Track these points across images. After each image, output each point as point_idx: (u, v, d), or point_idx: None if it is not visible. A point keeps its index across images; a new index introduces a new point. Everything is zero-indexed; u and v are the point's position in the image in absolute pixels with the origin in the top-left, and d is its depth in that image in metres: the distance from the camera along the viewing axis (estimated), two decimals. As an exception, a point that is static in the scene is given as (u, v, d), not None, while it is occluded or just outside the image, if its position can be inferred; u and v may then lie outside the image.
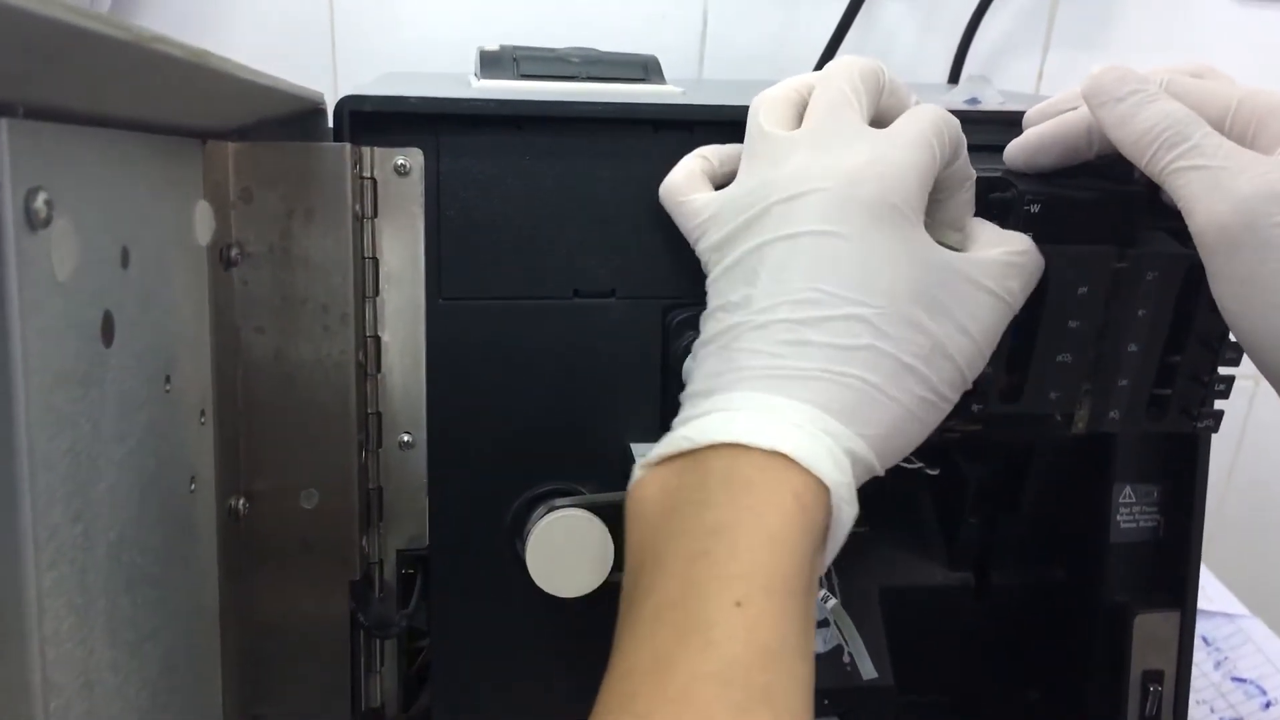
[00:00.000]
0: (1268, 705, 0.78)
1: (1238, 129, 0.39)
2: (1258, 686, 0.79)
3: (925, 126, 0.40)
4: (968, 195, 0.43)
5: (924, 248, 0.39)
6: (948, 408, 0.41)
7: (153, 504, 0.35)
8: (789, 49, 0.79)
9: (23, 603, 0.26)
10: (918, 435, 0.40)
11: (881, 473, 0.39)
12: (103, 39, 0.24)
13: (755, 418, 0.36)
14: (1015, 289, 0.41)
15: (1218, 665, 0.80)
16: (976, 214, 0.44)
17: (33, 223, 0.26)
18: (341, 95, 0.45)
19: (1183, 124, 0.39)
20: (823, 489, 0.35)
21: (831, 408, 0.37)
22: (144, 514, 0.34)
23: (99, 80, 0.28)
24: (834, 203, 0.38)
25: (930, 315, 0.38)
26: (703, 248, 0.43)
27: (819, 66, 0.76)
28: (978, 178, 0.43)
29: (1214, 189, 0.37)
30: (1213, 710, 0.78)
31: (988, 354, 0.41)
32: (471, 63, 0.60)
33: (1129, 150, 0.40)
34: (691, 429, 0.37)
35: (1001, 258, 0.41)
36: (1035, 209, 0.43)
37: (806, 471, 0.35)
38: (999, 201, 0.44)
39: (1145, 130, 0.39)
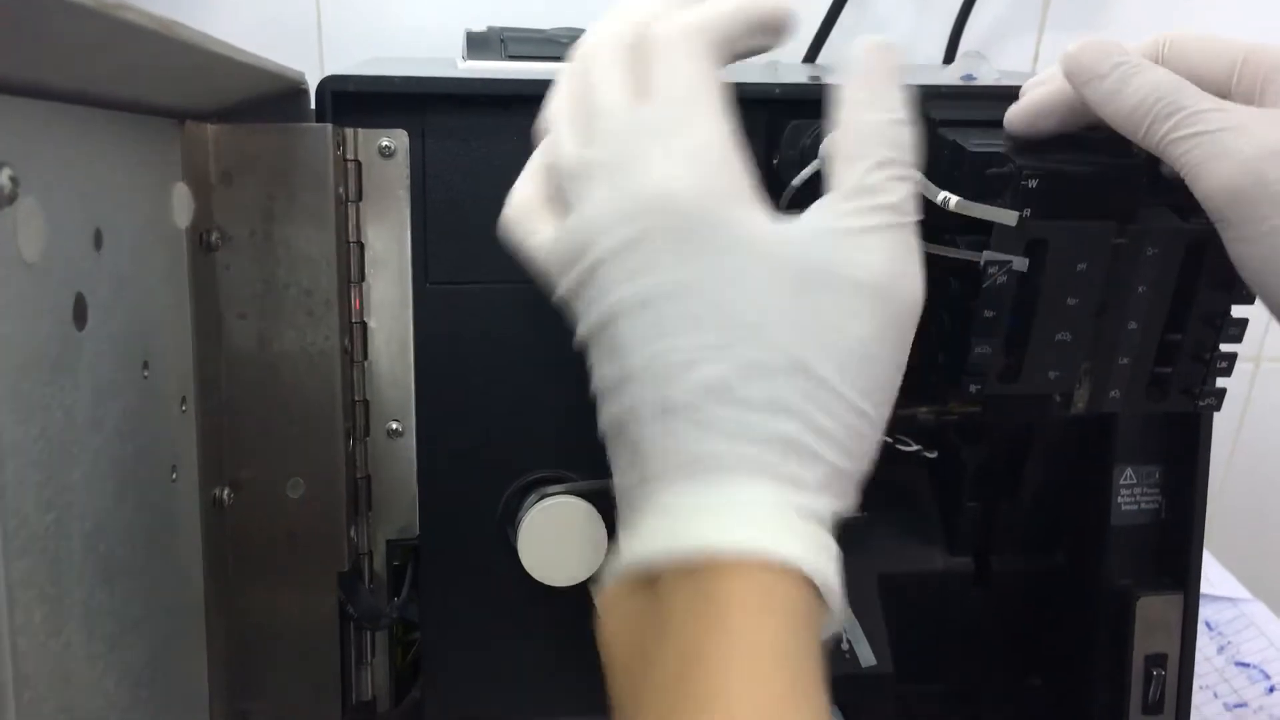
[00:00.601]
0: (1271, 689, 0.77)
1: (1244, 85, 0.38)
2: (1261, 671, 0.78)
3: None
4: None
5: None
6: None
7: (131, 493, 0.34)
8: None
9: (-9, 593, 0.26)
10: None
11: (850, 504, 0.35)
12: (65, 5, 0.23)
13: (696, 522, 0.31)
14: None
15: (1221, 650, 0.79)
16: (976, 189, 0.43)
17: (-4, 199, 0.25)
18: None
19: (1174, 93, 0.38)
20: (804, 584, 0.31)
21: (771, 473, 0.32)
22: (122, 503, 0.33)
23: (64, 51, 0.27)
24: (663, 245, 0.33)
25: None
26: (557, 300, 0.37)
27: (812, 49, 0.76)
28: (976, 153, 0.42)
29: (1217, 155, 0.36)
30: (1216, 695, 0.77)
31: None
32: (459, 47, 0.59)
33: (1122, 126, 0.39)
34: (638, 544, 0.33)
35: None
36: (1033, 184, 0.42)
37: (771, 565, 0.30)
38: (996, 177, 0.43)
39: (1136, 104, 0.38)
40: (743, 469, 0.32)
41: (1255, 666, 0.79)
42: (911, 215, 0.36)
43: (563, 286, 0.36)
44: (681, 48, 0.35)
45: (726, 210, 0.33)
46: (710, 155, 0.33)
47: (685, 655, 0.30)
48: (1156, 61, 0.40)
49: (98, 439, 0.31)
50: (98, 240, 0.31)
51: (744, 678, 0.29)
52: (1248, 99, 0.38)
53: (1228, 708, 0.77)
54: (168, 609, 0.37)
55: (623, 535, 0.34)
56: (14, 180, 0.26)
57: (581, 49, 0.37)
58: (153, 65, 0.32)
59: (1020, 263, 0.41)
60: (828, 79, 0.49)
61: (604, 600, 0.34)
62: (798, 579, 0.31)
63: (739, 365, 0.32)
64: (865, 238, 0.34)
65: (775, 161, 0.47)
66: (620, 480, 0.35)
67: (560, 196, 0.36)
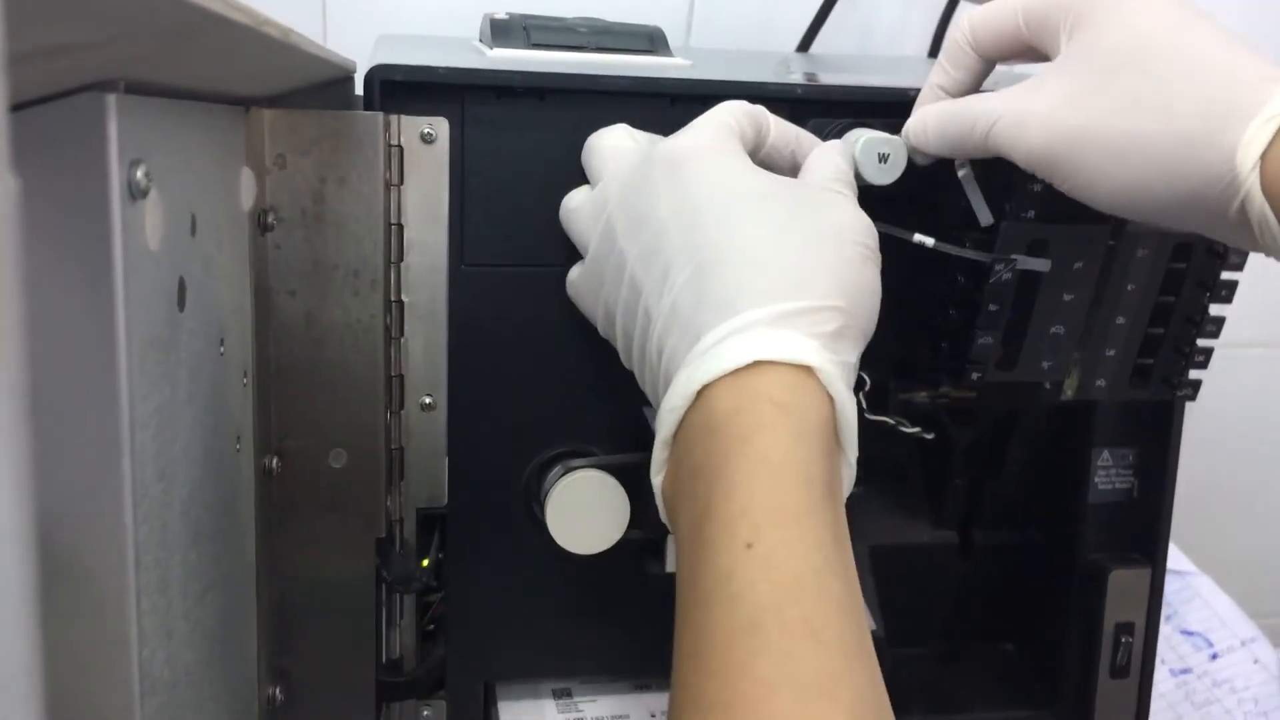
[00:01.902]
0: (1214, 656, 0.83)
1: (1033, 34, 0.42)
2: (1205, 639, 0.84)
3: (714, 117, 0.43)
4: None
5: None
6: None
7: (212, 463, 0.36)
8: (776, 20, 0.80)
9: (123, 556, 0.28)
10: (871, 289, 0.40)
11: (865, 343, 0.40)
12: (194, 8, 0.25)
13: (708, 360, 0.35)
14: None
15: (1168, 619, 0.85)
16: (982, 192, 0.46)
17: (134, 194, 0.27)
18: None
19: (957, 115, 0.43)
20: (803, 377, 0.34)
21: (780, 311, 0.36)
22: (206, 472, 0.35)
23: (185, 51, 0.29)
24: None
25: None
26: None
27: (806, 39, 0.78)
28: (981, 159, 0.46)
29: (1019, 138, 0.40)
30: (1163, 661, 0.82)
31: None
32: (466, 25, 0.60)
33: (956, 153, 0.45)
34: (663, 408, 0.37)
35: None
36: (1038, 188, 0.45)
37: (777, 367, 0.34)
38: (1002, 181, 0.46)
39: (941, 142, 0.44)
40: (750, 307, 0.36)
41: (1199, 635, 0.84)
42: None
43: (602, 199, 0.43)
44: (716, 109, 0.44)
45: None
46: (706, 130, 0.42)
47: (709, 474, 0.33)
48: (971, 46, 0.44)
49: (191, 413, 0.33)
50: (193, 226, 0.33)
51: (761, 477, 0.32)
52: (1048, 45, 0.41)
53: (1174, 673, 0.82)
54: (232, 571, 0.40)
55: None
56: (147, 175, 0.28)
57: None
58: (236, 56, 0.33)
59: (1042, 264, 0.44)
60: (844, 80, 0.52)
61: (656, 474, 0.38)
62: (808, 390, 0.34)
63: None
64: (838, 196, 0.42)
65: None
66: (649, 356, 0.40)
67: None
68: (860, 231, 0.40)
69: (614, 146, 0.45)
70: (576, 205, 0.46)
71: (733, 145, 0.42)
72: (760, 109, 0.44)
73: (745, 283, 0.36)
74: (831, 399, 0.35)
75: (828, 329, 0.36)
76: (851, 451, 0.36)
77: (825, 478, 0.34)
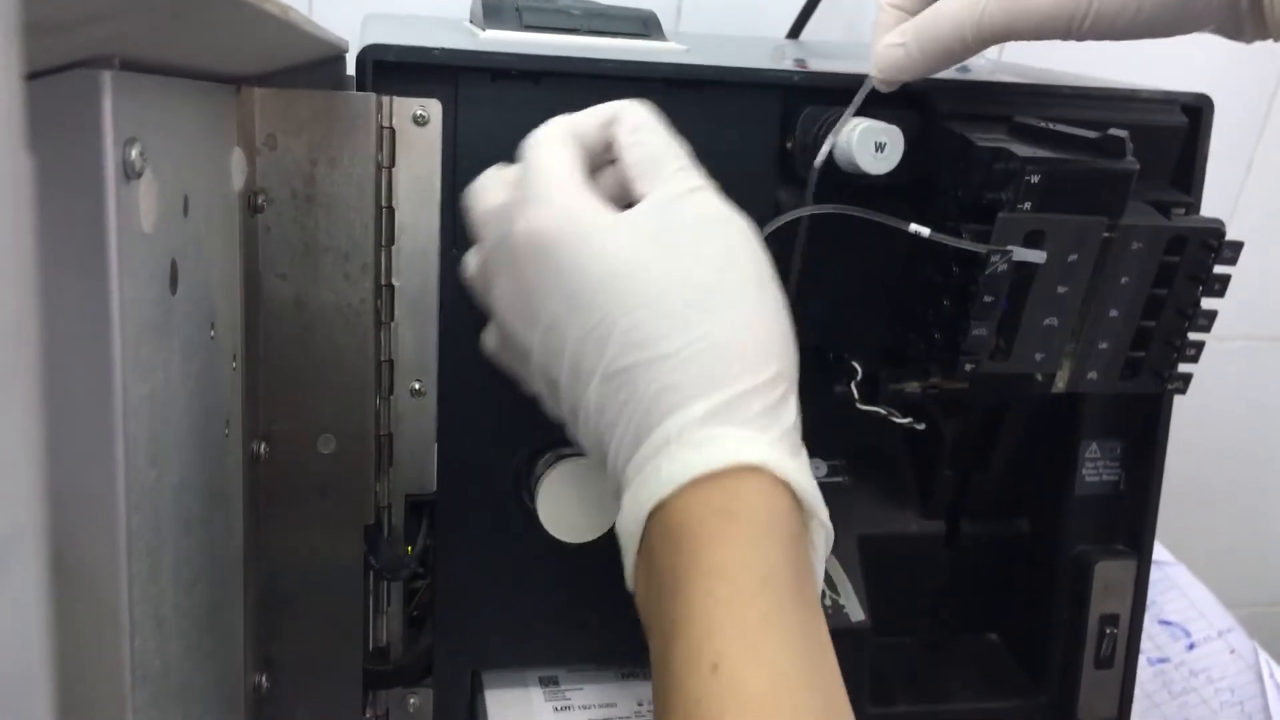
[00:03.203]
0: (1191, 646, 0.83)
1: None
2: (1183, 629, 0.84)
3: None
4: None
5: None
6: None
7: (203, 448, 0.35)
8: (766, 7, 0.80)
9: (116, 543, 0.27)
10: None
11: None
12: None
13: (649, 479, 0.33)
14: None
15: (1146, 609, 0.85)
16: (981, 181, 0.46)
17: (128, 173, 0.26)
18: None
19: (936, 21, 0.43)
20: (747, 477, 0.32)
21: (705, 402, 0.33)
22: (196, 458, 0.35)
23: (178, 27, 0.28)
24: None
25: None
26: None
27: (796, 26, 0.78)
28: (982, 148, 0.45)
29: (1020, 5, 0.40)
30: (1140, 651, 0.83)
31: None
32: (451, 5, 0.60)
33: (943, 66, 0.45)
34: (622, 530, 0.35)
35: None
36: (1035, 179, 0.45)
37: (717, 476, 0.32)
38: (1001, 171, 0.46)
39: (930, 56, 0.44)
40: (677, 408, 0.33)
41: (1177, 624, 0.85)
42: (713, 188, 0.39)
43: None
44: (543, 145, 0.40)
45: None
46: (551, 189, 0.38)
47: (671, 589, 0.32)
48: None
49: (183, 397, 0.33)
50: (186, 207, 0.32)
51: (722, 591, 0.31)
52: None
53: (1151, 662, 0.83)
54: (221, 559, 0.39)
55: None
56: (142, 155, 0.27)
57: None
58: (234, 32, 0.33)
59: (1037, 255, 0.44)
60: (840, 68, 0.51)
61: (630, 571, 0.36)
62: (757, 484, 0.32)
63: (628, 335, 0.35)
64: (697, 194, 0.38)
65: (789, 146, 0.50)
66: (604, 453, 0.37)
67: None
68: (746, 243, 0.37)
69: (484, 213, 0.42)
70: (471, 274, 0.43)
71: (582, 199, 0.37)
72: (571, 120, 0.41)
73: (665, 380, 0.34)
74: (783, 481, 0.33)
75: (765, 403, 0.34)
76: (821, 512, 0.35)
77: (789, 572, 0.32)
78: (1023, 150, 0.46)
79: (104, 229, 0.26)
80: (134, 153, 0.27)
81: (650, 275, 0.35)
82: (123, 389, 0.27)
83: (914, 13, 0.45)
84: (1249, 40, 0.41)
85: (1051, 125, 0.47)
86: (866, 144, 0.45)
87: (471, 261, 0.43)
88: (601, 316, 0.35)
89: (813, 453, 0.38)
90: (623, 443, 0.35)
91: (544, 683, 0.55)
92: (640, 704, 0.54)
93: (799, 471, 0.34)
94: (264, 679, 0.46)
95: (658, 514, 0.33)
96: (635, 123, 0.40)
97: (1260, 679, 0.80)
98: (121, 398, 0.27)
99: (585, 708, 0.53)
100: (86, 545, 0.27)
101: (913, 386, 0.54)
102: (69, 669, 0.28)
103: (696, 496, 0.32)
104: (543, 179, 0.38)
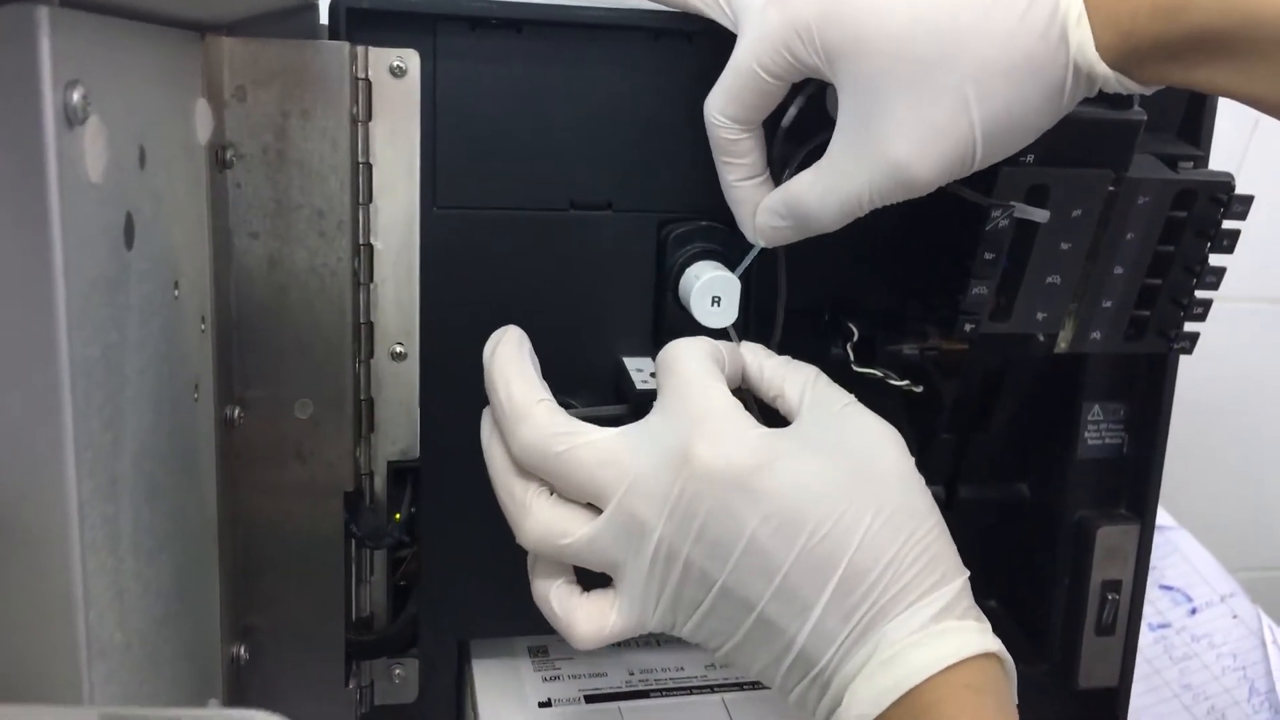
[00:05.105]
0: (1194, 611, 0.82)
1: (785, 75, 0.41)
2: (1184, 594, 0.83)
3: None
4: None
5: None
6: None
7: (166, 413, 0.34)
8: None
9: (67, 511, 0.26)
10: None
11: None
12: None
13: (895, 668, 0.36)
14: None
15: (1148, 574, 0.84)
16: None
17: (70, 119, 0.25)
18: None
19: (827, 192, 0.42)
20: (983, 660, 0.37)
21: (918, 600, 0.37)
22: (159, 422, 0.33)
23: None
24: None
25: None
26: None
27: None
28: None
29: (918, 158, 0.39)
30: (1142, 616, 0.82)
31: None
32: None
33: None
34: (856, 694, 0.37)
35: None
36: (1037, 131, 0.43)
37: (971, 660, 0.36)
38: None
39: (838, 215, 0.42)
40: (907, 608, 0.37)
41: (1179, 590, 0.84)
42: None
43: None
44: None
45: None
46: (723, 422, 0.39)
47: None
48: None
49: (142, 359, 0.31)
50: (142, 158, 0.31)
51: None
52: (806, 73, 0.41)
53: (1152, 628, 0.82)
54: (191, 527, 0.38)
55: (807, 697, 0.39)
56: (85, 99, 0.25)
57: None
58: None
59: (1040, 214, 0.43)
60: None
61: None
62: (989, 663, 0.37)
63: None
64: (849, 411, 0.41)
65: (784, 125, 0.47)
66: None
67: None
68: (900, 452, 0.41)
69: (608, 465, 0.40)
70: (592, 535, 0.39)
71: (745, 422, 0.39)
72: (710, 345, 0.42)
73: (884, 588, 0.37)
74: (1000, 660, 0.38)
75: (969, 599, 0.38)
76: (1014, 671, 0.39)
77: None
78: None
79: (44, 177, 0.24)
80: (76, 96, 0.25)
81: (851, 509, 0.37)
82: (68, 346, 0.25)
83: (760, 175, 0.44)
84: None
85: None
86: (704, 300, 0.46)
87: (582, 529, 0.39)
88: (821, 550, 0.37)
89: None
90: (849, 654, 0.37)
91: (533, 653, 0.54)
92: (631, 673, 0.53)
93: (1002, 648, 0.38)
94: (243, 650, 0.45)
95: (905, 696, 0.36)
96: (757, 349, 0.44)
97: (1263, 644, 0.79)
98: (67, 355, 0.25)
99: (575, 677, 0.52)
100: (33, 511, 0.25)
101: (911, 348, 0.52)
102: (19, 642, 0.26)
103: (947, 677, 0.36)
104: (714, 407, 0.39)
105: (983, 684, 0.37)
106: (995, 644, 0.38)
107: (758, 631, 0.38)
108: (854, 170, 0.40)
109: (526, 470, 0.41)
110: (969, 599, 0.39)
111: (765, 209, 0.44)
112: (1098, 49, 0.36)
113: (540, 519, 0.40)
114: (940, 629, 0.37)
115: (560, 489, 0.40)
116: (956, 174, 0.39)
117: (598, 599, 0.41)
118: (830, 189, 0.41)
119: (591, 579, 0.42)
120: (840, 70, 0.39)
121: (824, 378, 0.43)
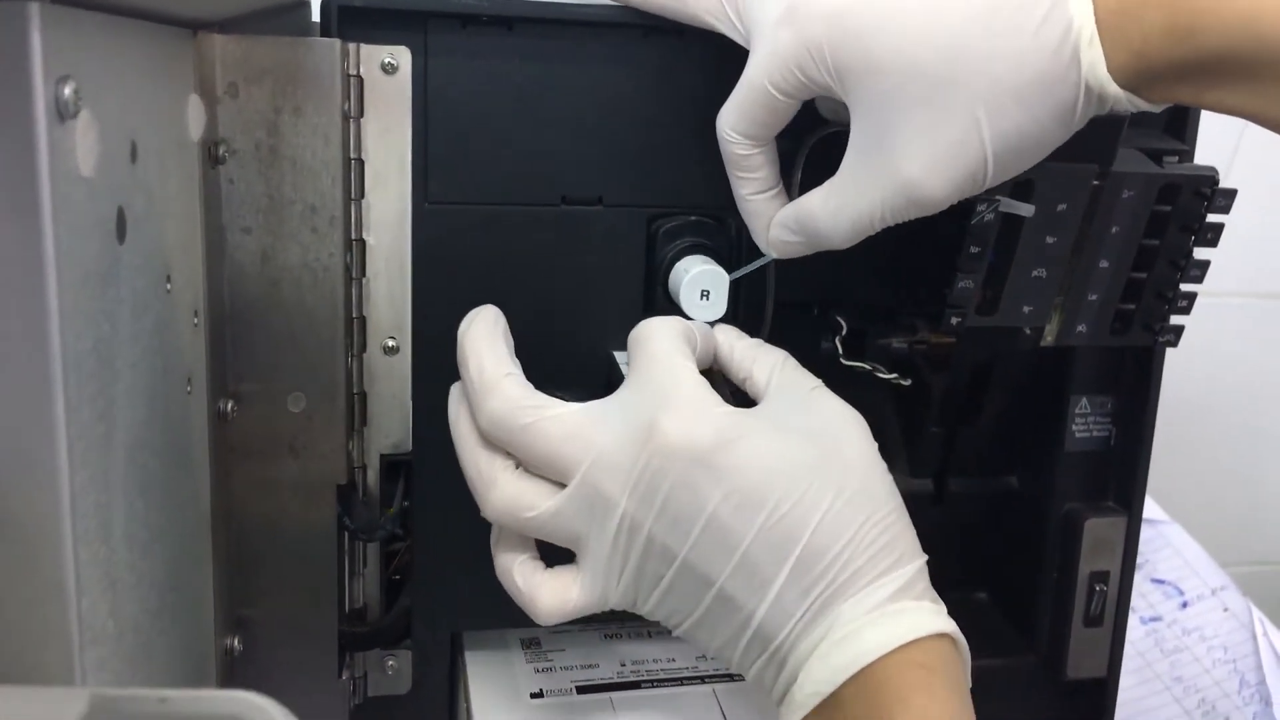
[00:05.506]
0: (1185, 605, 0.83)
1: (794, 95, 0.41)
2: (1175, 588, 0.84)
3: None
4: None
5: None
6: None
7: (159, 406, 0.34)
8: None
9: (59, 502, 0.26)
10: None
11: None
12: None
13: (850, 644, 0.37)
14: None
15: (1139, 567, 0.84)
16: None
17: (62, 113, 0.25)
18: None
19: (843, 204, 0.42)
20: (935, 640, 0.37)
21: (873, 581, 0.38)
22: (152, 415, 0.33)
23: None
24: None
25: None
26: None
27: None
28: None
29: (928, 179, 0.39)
30: (1133, 609, 0.82)
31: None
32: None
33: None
34: (811, 671, 0.38)
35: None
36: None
37: (925, 640, 0.37)
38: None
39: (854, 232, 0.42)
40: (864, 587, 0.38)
41: (1170, 583, 0.85)
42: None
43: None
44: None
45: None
46: (687, 397, 0.40)
47: None
48: None
49: (134, 352, 0.32)
50: (133, 153, 0.31)
51: None
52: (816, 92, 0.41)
53: (1144, 621, 0.83)
54: (185, 519, 0.38)
55: (764, 675, 0.39)
56: (77, 94, 0.26)
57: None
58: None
59: (1026, 208, 0.43)
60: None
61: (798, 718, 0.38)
62: (943, 644, 0.38)
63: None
64: (815, 395, 0.42)
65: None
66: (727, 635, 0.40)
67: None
68: (863, 436, 0.41)
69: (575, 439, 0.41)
70: (556, 508, 0.40)
71: (711, 400, 0.40)
72: (682, 325, 0.43)
73: (841, 566, 0.38)
74: (954, 641, 0.39)
75: (925, 582, 0.40)
76: (967, 653, 0.40)
77: (967, 711, 0.38)
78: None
79: (36, 170, 0.25)
80: (68, 91, 0.25)
81: (812, 486, 0.38)
82: (60, 339, 0.26)
83: (774, 188, 0.44)
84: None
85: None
86: (692, 293, 0.47)
87: (544, 502, 0.40)
88: (781, 529, 0.38)
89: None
90: (807, 629, 0.38)
91: (525, 644, 0.54)
92: (623, 664, 0.53)
93: (956, 629, 0.39)
94: (236, 641, 0.45)
95: (859, 674, 0.37)
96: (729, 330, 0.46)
97: (1254, 637, 0.80)
98: (59, 348, 0.26)
99: (568, 669, 0.53)
100: (25, 501, 0.26)
101: (899, 342, 0.53)
102: (12, 629, 0.27)
103: (900, 656, 0.37)
104: (682, 383, 0.40)
105: (935, 663, 0.37)
106: (949, 625, 0.38)
107: (717, 607, 0.39)
108: (866, 188, 0.40)
109: (493, 443, 0.41)
110: (925, 581, 0.40)
111: (778, 223, 0.44)
112: (1110, 69, 0.36)
113: (505, 492, 0.40)
114: (896, 609, 0.38)
115: (526, 462, 0.41)
116: (968, 192, 0.39)
117: (561, 574, 0.41)
118: (842, 206, 0.41)
119: (555, 557, 0.42)
120: (852, 89, 0.39)
121: (792, 361, 0.44)
